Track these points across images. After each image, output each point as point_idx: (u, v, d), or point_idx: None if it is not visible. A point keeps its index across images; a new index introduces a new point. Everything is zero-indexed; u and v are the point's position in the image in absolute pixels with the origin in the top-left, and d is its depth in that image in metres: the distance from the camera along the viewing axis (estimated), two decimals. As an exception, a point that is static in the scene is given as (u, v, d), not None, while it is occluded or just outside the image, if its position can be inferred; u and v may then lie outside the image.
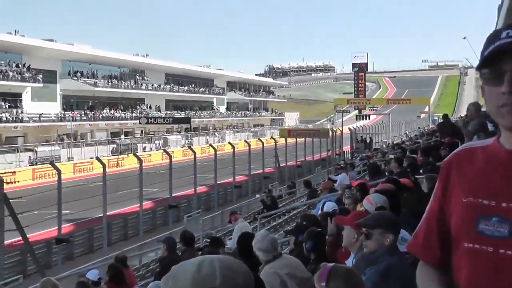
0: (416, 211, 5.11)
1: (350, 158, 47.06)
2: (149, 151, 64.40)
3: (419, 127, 67.90)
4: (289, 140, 45.23)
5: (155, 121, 76.74)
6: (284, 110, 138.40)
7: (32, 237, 20.64)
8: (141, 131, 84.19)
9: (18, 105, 68.98)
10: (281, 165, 41.56)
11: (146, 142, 71.30)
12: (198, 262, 1.84)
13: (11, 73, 66.73)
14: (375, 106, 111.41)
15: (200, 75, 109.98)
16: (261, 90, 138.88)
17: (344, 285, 3.63)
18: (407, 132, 70.23)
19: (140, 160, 26.52)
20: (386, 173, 13.10)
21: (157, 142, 71.80)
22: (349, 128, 58.91)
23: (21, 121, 66.23)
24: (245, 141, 42.94)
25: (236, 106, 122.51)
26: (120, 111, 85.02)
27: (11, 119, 64.90)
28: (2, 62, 67.62)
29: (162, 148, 60.22)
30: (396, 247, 4.45)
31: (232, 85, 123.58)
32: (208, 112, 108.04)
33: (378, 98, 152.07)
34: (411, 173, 9.58)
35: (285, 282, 5.77)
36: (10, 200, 18.47)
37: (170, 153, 31.21)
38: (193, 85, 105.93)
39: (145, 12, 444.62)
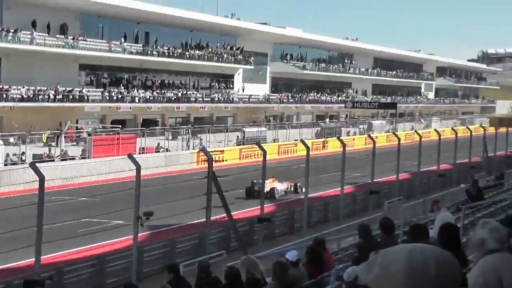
0: None
1: None
2: (353, 135, 64.47)
3: None
4: (500, 129, 43.19)
5: (361, 105, 76.32)
6: (495, 98, 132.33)
7: (236, 215, 21.38)
8: (346, 115, 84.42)
9: (229, 86, 71.87)
10: (489, 155, 39.84)
11: (350, 126, 71.37)
12: (408, 250, 1.75)
13: (225, 55, 69.58)
14: None
15: (409, 60, 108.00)
16: (472, 76, 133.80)
17: None
18: None
19: (343, 144, 26.56)
20: None
21: (361, 126, 71.65)
22: None
23: (232, 101, 68.90)
24: (452, 128, 41.63)
25: (445, 92, 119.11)
26: (326, 95, 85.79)
27: (222, 99, 67.72)
28: (218, 44, 70.65)
29: (366, 132, 59.98)
30: None
31: (442, 70, 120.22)
32: (415, 98, 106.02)
33: None
34: None
35: (501, 279, 5.47)
36: (218, 178, 19.25)
37: (374, 138, 30.98)
38: (401, 69, 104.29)
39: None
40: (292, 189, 31.39)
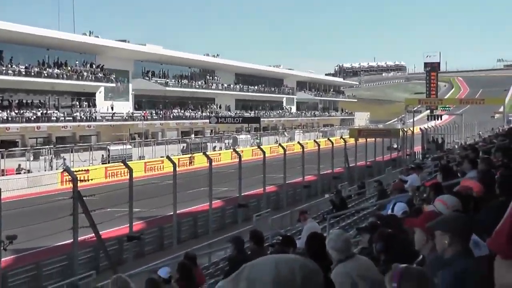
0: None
1: (421, 158, 46.32)
2: (219, 150, 64.81)
3: (492, 128, 66.26)
4: (359, 140, 44.85)
5: (225, 120, 77.27)
6: (354, 110, 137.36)
7: (104, 234, 21.01)
8: (211, 131, 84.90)
9: (91, 104, 70.54)
10: (350, 165, 41.25)
11: (216, 142, 71.74)
12: (274, 263, 1.78)
13: (85, 73, 68.26)
14: (447, 106, 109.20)
15: (270, 75, 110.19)
16: (331, 90, 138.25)
17: (417, 287, 3.54)
18: (480, 132, 68.68)
19: (209, 159, 26.72)
20: (458, 174, 12.77)
21: (226, 141, 72.16)
22: (421, 129, 58.06)
23: (95, 120, 67.64)
24: (314, 141, 42.75)
25: (306, 106, 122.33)
26: (190, 111, 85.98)
27: (85, 118, 66.37)
28: (77, 62, 69.24)
29: (231, 147, 60.55)
30: (470, 250, 4.31)
31: (302, 85, 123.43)
32: (278, 112, 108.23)
33: (451, 98, 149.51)
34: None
35: (356, 283, 5.67)
36: (84, 198, 18.87)
37: (239, 152, 31.34)
38: (263, 85, 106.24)
39: (214, 12, 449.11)
40: None
